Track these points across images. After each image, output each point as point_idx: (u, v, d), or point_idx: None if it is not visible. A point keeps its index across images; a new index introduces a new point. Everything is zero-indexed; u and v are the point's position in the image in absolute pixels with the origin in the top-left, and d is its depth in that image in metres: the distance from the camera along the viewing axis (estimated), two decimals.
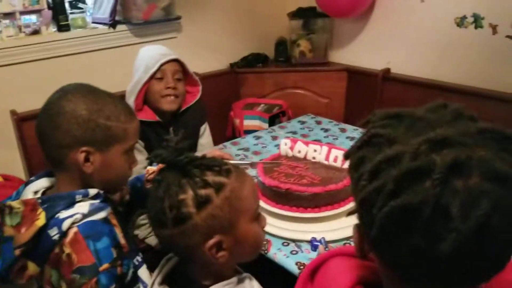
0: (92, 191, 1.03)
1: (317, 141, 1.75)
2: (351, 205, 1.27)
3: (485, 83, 2.14)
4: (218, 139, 2.08)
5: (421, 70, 2.39)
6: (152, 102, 1.85)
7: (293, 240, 1.23)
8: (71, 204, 0.99)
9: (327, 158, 1.39)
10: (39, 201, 0.98)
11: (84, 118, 1.01)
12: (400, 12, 2.43)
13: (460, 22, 2.17)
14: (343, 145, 1.80)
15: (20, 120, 2.13)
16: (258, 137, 2.00)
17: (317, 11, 2.71)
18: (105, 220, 1.02)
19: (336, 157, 1.38)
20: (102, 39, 2.34)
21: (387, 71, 2.53)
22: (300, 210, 1.26)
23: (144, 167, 1.75)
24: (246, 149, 1.87)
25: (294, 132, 2.03)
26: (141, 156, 1.86)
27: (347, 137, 1.93)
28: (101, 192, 1.05)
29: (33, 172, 2.13)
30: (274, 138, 1.98)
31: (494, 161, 0.50)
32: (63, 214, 0.97)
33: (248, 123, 2.48)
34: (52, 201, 0.99)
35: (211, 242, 0.84)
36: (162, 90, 1.81)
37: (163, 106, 1.84)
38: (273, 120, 2.45)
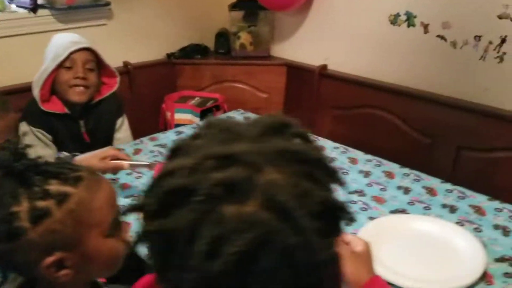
0: None
1: None
2: None
3: (417, 84, 2.11)
4: (151, 133, 1.97)
5: (358, 68, 2.34)
6: (60, 92, 1.72)
7: None
8: None
9: None
10: None
11: None
12: (337, 7, 2.37)
13: (394, 20, 2.12)
14: None
15: None
16: (179, 133, 1.91)
17: (258, 3, 2.62)
18: None
19: None
20: (21, 24, 2.19)
21: (323, 67, 2.47)
22: None
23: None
24: (164, 146, 1.77)
25: None
26: (48, 150, 1.75)
27: None
28: None
29: None
30: None
31: (283, 187, 0.42)
32: None
33: (180, 116, 2.38)
34: None
35: (48, 260, 0.73)
36: (71, 80, 1.70)
37: (71, 97, 1.72)
38: (205, 115, 2.36)
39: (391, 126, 2.19)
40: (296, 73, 2.61)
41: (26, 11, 2.18)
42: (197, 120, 2.34)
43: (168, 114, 2.43)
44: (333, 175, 0.47)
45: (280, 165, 0.43)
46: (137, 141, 1.84)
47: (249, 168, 0.42)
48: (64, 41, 1.72)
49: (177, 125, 2.33)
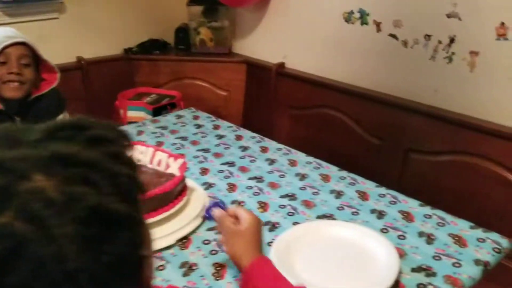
0: None
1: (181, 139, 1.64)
2: (176, 208, 1.15)
3: (369, 84, 2.07)
4: None
5: (314, 67, 2.30)
6: None
7: None
8: None
9: (151, 161, 1.27)
10: None
11: None
12: (295, 2, 2.32)
13: (348, 17, 2.08)
14: (202, 145, 1.69)
15: None
16: None
17: None
18: None
19: (160, 161, 1.26)
20: None
21: (281, 65, 2.42)
22: None
23: None
24: None
25: (164, 127, 1.89)
26: None
27: (217, 135, 1.81)
28: None
29: None
30: (140, 133, 1.84)
31: (44, 195, 0.38)
32: None
33: (132, 114, 2.32)
34: None
35: None
36: (4, 75, 1.63)
37: (5, 93, 1.65)
38: (158, 112, 2.30)
39: (344, 127, 2.15)
40: (255, 71, 2.57)
41: None
42: (149, 117, 2.28)
43: (121, 111, 2.37)
44: (114, 178, 0.43)
45: (51, 171, 0.40)
46: None
47: (10, 176, 0.39)
48: None
49: (130, 123, 2.27)
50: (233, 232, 0.92)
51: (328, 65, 2.23)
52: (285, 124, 2.46)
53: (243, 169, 1.52)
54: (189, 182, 1.29)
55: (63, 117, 1.87)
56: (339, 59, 2.17)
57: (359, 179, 1.48)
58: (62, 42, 2.38)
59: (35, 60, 1.74)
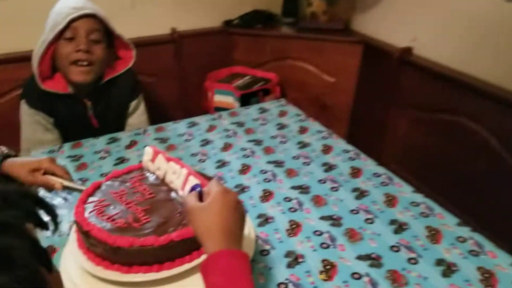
0: None
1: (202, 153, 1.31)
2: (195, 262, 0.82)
3: None
4: (197, 113, 1.67)
5: (452, 57, 1.72)
6: (61, 69, 1.46)
7: None
8: None
9: (182, 188, 0.93)
10: None
11: None
12: None
13: None
14: (276, 154, 1.31)
15: None
16: (193, 124, 1.55)
17: None
18: None
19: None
20: None
21: (407, 51, 1.88)
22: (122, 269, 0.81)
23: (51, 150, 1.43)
24: (164, 140, 1.44)
25: (241, 124, 1.54)
26: (49, 135, 1.53)
27: (299, 143, 1.41)
28: None
29: None
30: (211, 128, 1.52)
31: None
32: None
33: (220, 99, 2.02)
34: None
35: None
36: (72, 54, 1.41)
37: (73, 77, 1.44)
38: (247, 100, 1.96)
39: (483, 146, 1.57)
40: (374, 55, 2.06)
41: None
42: (237, 105, 1.96)
43: (209, 94, 2.09)
44: None
45: None
46: (140, 130, 1.53)
47: None
48: (65, 6, 1.43)
49: (217, 109, 1.98)
50: (193, 208, 0.74)
51: (472, 56, 1.64)
52: (402, 127, 1.94)
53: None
54: None
55: (136, 103, 1.64)
56: (489, 50, 1.58)
57: (397, 179, 1.16)
58: (156, 13, 2.14)
59: (108, 36, 1.51)
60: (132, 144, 1.42)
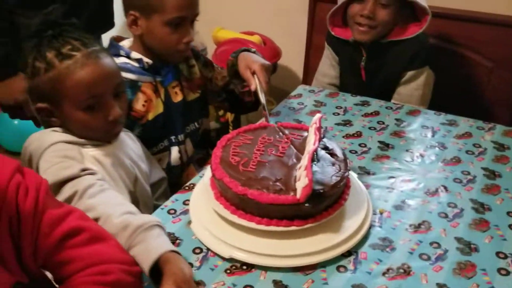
0: (135, 54, 1.19)
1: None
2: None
3: None
4: None
5: None
6: (349, 23, 1.56)
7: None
8: (116, 55, 1.19)
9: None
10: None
11: None
12: None
13: None
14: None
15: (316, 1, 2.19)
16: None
17: None
18: (131, 82, 1.17)
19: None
20: None
21: None
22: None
23: (330, 83, 1.68)
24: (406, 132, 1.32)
25: None
26: (332, 71, 1.69)
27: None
28: (146, 60, 1.19)
29: None
30: None
31: None
32: None
33: None
34: (110, 47, 1.22)
35: (39, 105, 0.96)
36: (356, 16, 1.49)
37: (354, 34, 1.54)
38: None
39: None
40: None
41: None
42: None
43: None
44: None
45: None
46: (411, 107, 1.44)
47: None
48: None
49: None
50: None
51: None
52: None
53: None
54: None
55: (414, 74, 1.53)
56: None
57: None
58: None
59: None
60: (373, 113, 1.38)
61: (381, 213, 0.95)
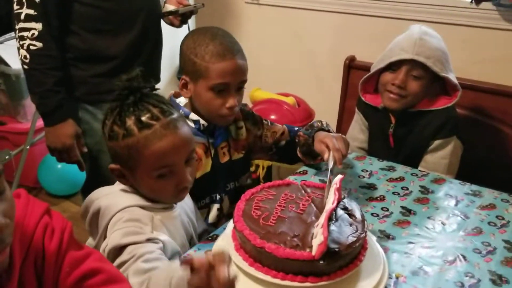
0: (193, 116, 1.27)
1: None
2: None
3: None
4: None
5: None
6: (380, 90, 1.63)
7: None
8: None
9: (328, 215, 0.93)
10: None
11: (183, 52, 1.26)
12: None
13: None
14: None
15: (350, 67, 2.30)
16: None
17: None
18: None
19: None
20: (460, 13, 2.01)
21: None
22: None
23: (359, 147, 1.73)
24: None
25: None
26: (362, 136, 1.74)
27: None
28: (202, 122, 1.26)
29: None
30: None
31: None
32: None
33: None
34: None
35: (112, 165, 1.01)
36: (387, 84, 1.55)
37: (383, 100, 1.60)
38: None
39: None
40: None
41: (468, 0, 1.97)
42: None
43: None
44: None
45: None
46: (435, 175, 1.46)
47: None
48: (402, 40, 1.54)
49: None
50: None
51: None
52: None
53: None
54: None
55: (442, 142, 1.56)
56: None
57: None
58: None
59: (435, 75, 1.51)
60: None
61: (397, 278, 0.96)
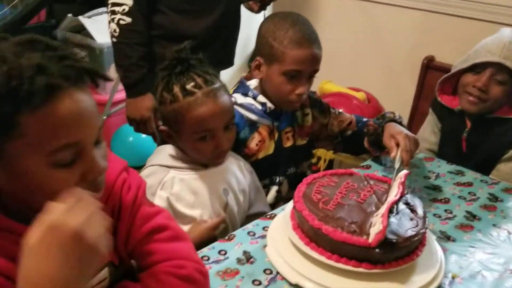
0: (261, 98, 1.31)
1: None
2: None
3: None
4: None
5: None
6: (459, 91, 1.58)
7: None
8: (244, 94, 1.33)
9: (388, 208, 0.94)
10: None
11: (261, 34, 1.31)
12: None
13: None
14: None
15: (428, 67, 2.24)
16: None
17: None
18: (251, 122, 1.29)
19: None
20: None
21: None
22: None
23: (428, 149, 1.69)
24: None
25: None
26: (433, 138, 1.70)
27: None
28: (269, 105, 1.29)
29: None
30: None
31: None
32: (237, 97, 1.31)
33: None
34: (240, 85, 1.35)
35: (161, 127, 1.14)
36: (468, 86, 1.50)
37: (461, 103, 1.55)
38: None
39: None
40: None
41: None
42: None
43: None
44: None
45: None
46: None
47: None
48: (489, 43, 1.48)
49: None
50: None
51: None
52: None
53: None
54: None
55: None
56: None
57: None
58: None
59: None
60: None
61: (453, 278, 0.95)
